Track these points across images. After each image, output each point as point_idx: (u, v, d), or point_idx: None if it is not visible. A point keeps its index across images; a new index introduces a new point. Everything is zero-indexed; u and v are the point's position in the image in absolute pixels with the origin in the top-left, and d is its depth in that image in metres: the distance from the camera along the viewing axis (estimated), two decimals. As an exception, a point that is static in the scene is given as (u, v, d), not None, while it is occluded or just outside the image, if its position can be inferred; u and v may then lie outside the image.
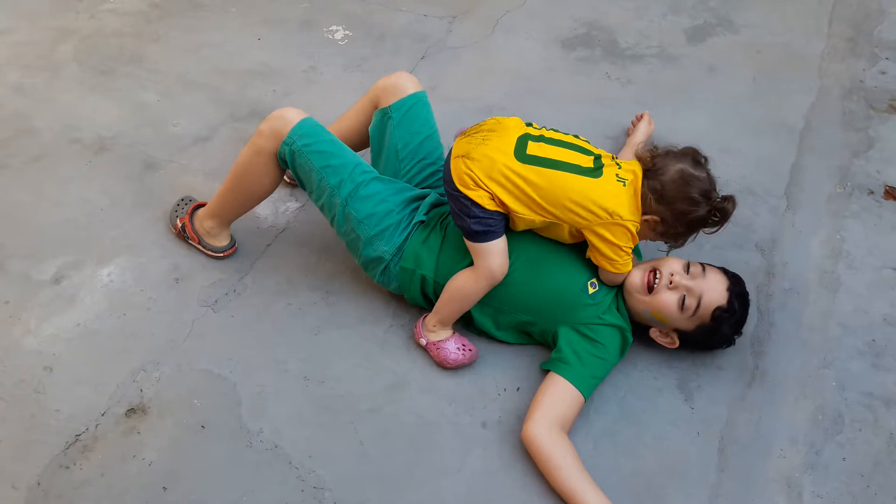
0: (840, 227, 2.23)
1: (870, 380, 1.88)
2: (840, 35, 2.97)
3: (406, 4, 3.15)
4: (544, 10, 3.13)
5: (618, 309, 1.85)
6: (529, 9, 3.14)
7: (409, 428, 1.78)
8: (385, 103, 2.04)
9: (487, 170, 1.70)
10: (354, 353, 1.92)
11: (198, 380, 1.86)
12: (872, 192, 2.33)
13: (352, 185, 1.85)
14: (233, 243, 2.12)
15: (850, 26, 3.02)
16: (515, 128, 1.77)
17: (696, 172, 1.69)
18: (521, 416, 1.77)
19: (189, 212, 2.12)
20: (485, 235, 1.73)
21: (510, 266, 1.78)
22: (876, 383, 1.87)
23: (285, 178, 2.27)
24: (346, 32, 3.00)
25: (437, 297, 1.87)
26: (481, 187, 1.70)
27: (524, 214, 1.73)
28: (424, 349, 1.90)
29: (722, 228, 1.74)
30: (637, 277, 1.81)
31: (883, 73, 2.78)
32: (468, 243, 1.78)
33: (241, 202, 2.03)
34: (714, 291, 1.76)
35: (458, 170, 1.73)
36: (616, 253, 1.74)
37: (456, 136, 1.82)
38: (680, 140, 1.91)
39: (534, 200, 1.71)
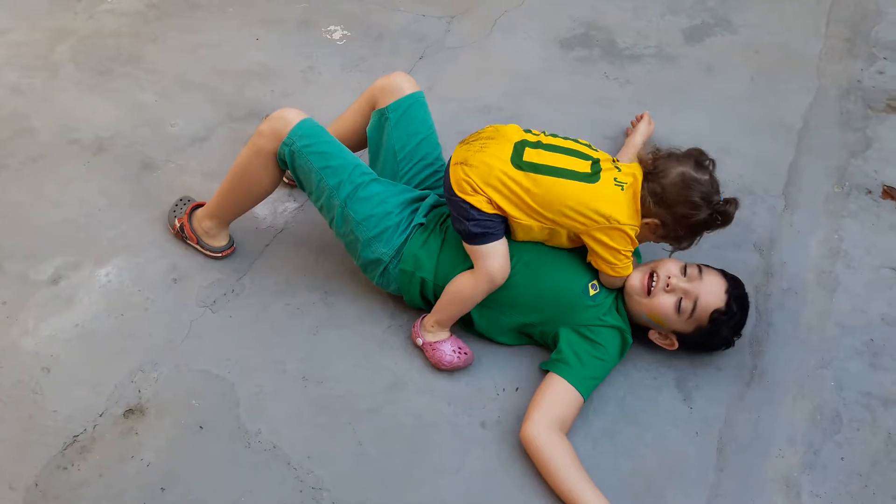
0: (838, 226, 2.23)
1: (868, 379, 1.88)
2: (838, 35, 2.98)
3: (404, 4, 3.15)
4: (542, 10, 3.13)
5: (618, 311, 1.85)
6: (528, 9, 3.14)
7: (407, 428, 1.78)
8: (382, 104, 2.04)
9: (484, 176, 1.71)
10: (353, 354, 1.92)
11: (196, 380, 1.86)
12: (870, 192, 2.34)
13: (351, 187, 1.85)
14: (231, 243, 2.12)
15: (847, 26, 3.02)
16: (513, 135, 1.78)
17: (698, 175, 1.68)
18: (520, 417, 1.76)
19: (187, 212, 2.12)
20: (484, 237, 1.74)
21: (511, 268, 1.79)
22: (874, 383, 1.87)
23: (284, 178, 2.26)
24: (345, 32, 3.00)
25: (436, 299, 1.87)
26: (479, 192, 1.72)
27: (522, 220, 1.74)
28: (421, 349, 1.90)
29: (724, 229, 1.74)
30: (636, 280, 1.80)
31: (881, 73, 2.79)
32: (467, 247, 1.78)
33: (240, 202, 2.03)
34: (711, 294, 1.76)
35: (456, 176, 1.75)
36: (615, 257, 1.74)
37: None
38: (678, 140, 1.91)
39: (530, 206, 1.72)
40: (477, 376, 1.88)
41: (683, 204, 1.67)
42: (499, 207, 1.73)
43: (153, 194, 2.31)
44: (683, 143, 1.79)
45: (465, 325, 1.93)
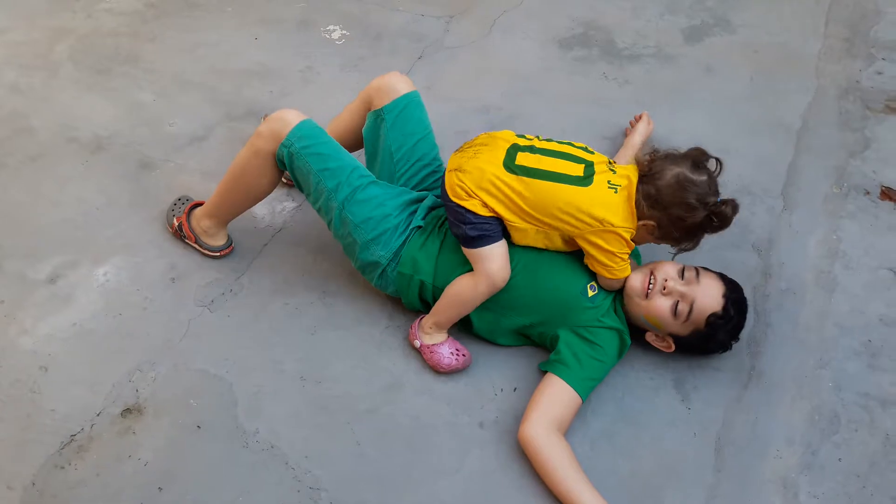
0: (836, 227, 2.23)
1: (866, 380, 1.88)
2: (837, 35, 2.97)
3: (403, 4, 3.14)
4: (541, 9, 3.13)
5: (616, 312, 1.85)
6: (526, 9, 3.14)
7: (406, 428, 1.78)
8: (378, 105, 2.04)
9: (478, 181, 1.72)
10: (351, 354, 1.92)
11: (194, 380, 1.86)
12: (868, 193, 2.34)
13: (349, 189, 1.85)
14: (230, 243, 2.12)
15: (846, 26, 3.02)
16: (506, 140, 1.78)
17: (695, 176, 1.67)
18: (519, 417, 1.76)
19: (186, 211, 2.12)
20: (481, 240, 1.74)
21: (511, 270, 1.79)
22: (872, 384, 1.87)
23: (283, 178, 2.26)
24: (343, 32, 3.00)
25: (435, 301, 1.87)
26: (473, 196, 1.73)
27: (516, 223, 1.74)
28: (418, 351, 1.90)
29: (726, 229, 1.71)
30: (637, 281, 1.80)
31: (879, 73, 2.79)
32: (466, 251, 1.78)
33: (238, 202, 2.03)
34: (708, 297, 1.76)
35: (451, 182, 1.76)
36: (611, 259, 1.74)
37: None
38: (677, 140, 1.91)
39: (523, 209, 1.72)
40: (475, 377, 1.88)
41: (678, 206, 1.67)
42: (493, 211, 1.73)
43: (151, 193, 2.31)
44: (682, 143, 1.79)
45: (463, 327, 1.93)
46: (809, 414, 1.81)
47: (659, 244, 1.80)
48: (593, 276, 1.83)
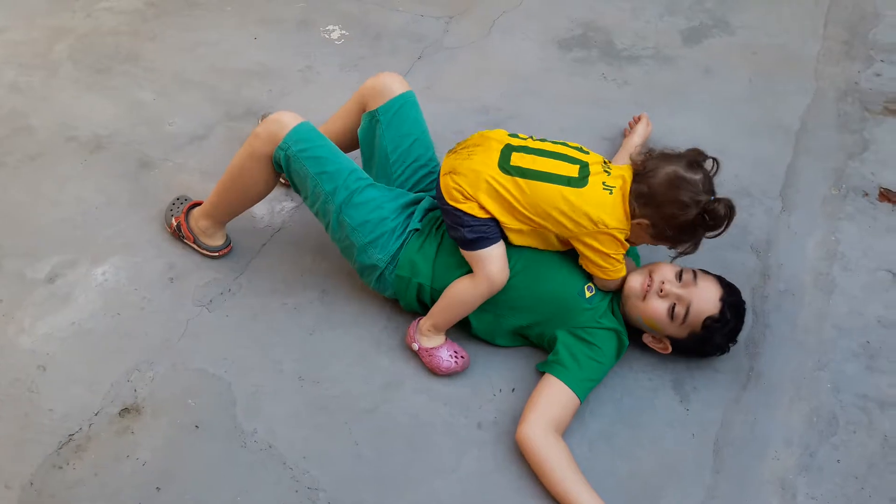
0: (835, 228, 2.24)
1: (864, 382, 1.88)
2: (835, 37, 2.98)
3: (402, 4, 3.15)
4: (541, 10, 3.13)
5: (613, 313, 1.85)
6: (526, 9, 3.14)
7: (404, 429, 1.78)
8: (373, 106, 2.03)
9: (473, 182, 1.72)
10: (350, 354, 1.92)
11: (192, 379, 1.85)
12: (867, 195, 2.34)
13: (346, 192, 1.85)
14: (228, 243, 2.12)
15: (845, 28, 3.02)
16: (499, 140, 1.78)
17: (689, 175, 1.65)
18: (517, 418, 1.77)
19: (184, 211, 2.12)
20: (480, 242, 1.74)
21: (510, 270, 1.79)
22: (870, 385, 1.87)
23: (280, 179, 2.26)
24: (343, 32, 3.00)
25: (433, 303, 1.87)
26: (470, 199, 1.73)
27: (511, 225, 1.74)
28: (416, 354, 1.90)
29: (724, 231, 1.67)
30: (636, 283, 1.80)
31: (878, 75, 2.79)
32: (465, 254, 1.78)
33: (236, 203, 2.03)
34: (705, 300, 1.75)
35: (446, 186, 1.76)
36: (606, 261, 1.74)
37: None
38: (676, 141, 1.91)
39: (518, 211, 1.72)
40: (473, 377, 1.88)
41: (671, 203, 1.65)
42: (490, 213, 1.73)
43: (151, 193, 2.30)
44: (681, 144, 1.79)
45: (462, 328, 1.93)
46: (808, 415, 1.81)
47: (655, 245, 1.78)
48: (591, 277, 1.83)
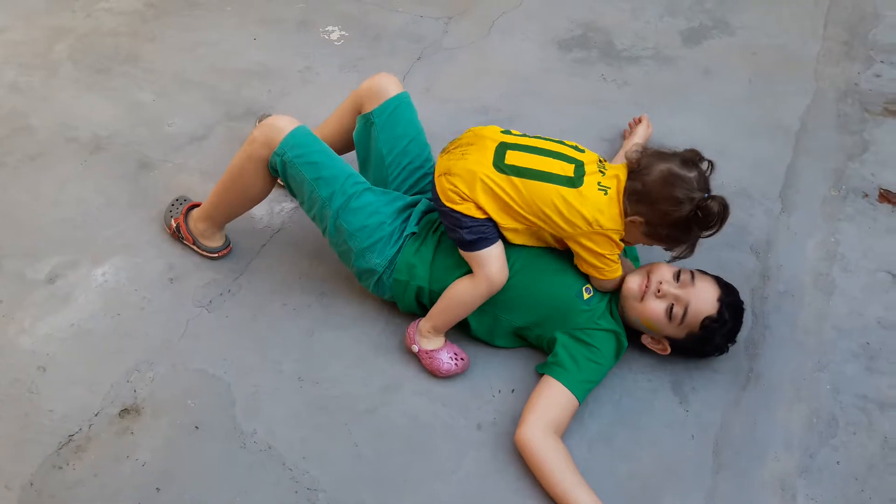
0: (835, 229, 2.24)
1: (864, 383, 1.88)
2: (835, 38, 2.98)
3: (402, 5, 3.15)
4: (541, 11, 3.13)
5: (611, 314, 1.85)
6: (526, 10, 3.14)
7: (403, 430, 1.78)
8: (367, 108, 2.03)
9: (469, 183, 1.71)
10: (349, 355, 1.92)
11: (192, 380, 1.86)
12: (867, 195, 2.34)
13: (343, 198, 1.84)
14: (227, 244, 2.12)
15: (845, 29, 3.02)
16: (493, 138, 1.76)
17: (683, 172, 1.64)
18: (516, 419, 1.77)
19: (184, 212, 2.12)
20: (479, 243, 1.74)
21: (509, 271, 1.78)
22: (870, 386, 1.87)
23: (278, 181, 2.26)
24: (342, 33, 3.00)
25: (432, 304, 1.86)
26: (467, 200, 1.72)
27: (507, 224, 1.74)
28: (416, 356, 1.90)
29: (719, 230, 1.67)
30: (635, 284, 1.80)
31: (878, 76, 2.79)
32: (464, 254, 1.77)
33: (234, 205, 2.03)
34: (703, 301, 1.75)
35: (442, 187, 1.75)
36: (601, 261, 1.74)
37: None
38: (675, 142, 1.90)
39: (514, 210, 1.71)
40: (473, 378, 1.88)
41: (665, 200, 1.63)
42: (487, 213, 1.72)
43: (150, 193, 2.30)
44: (680, 144, 1.78)
45: (461, 329, 1.92)
46: (808, 417, 1.81)
47: (650, 245, 1.77)
48: (588, 278, 1.83)
